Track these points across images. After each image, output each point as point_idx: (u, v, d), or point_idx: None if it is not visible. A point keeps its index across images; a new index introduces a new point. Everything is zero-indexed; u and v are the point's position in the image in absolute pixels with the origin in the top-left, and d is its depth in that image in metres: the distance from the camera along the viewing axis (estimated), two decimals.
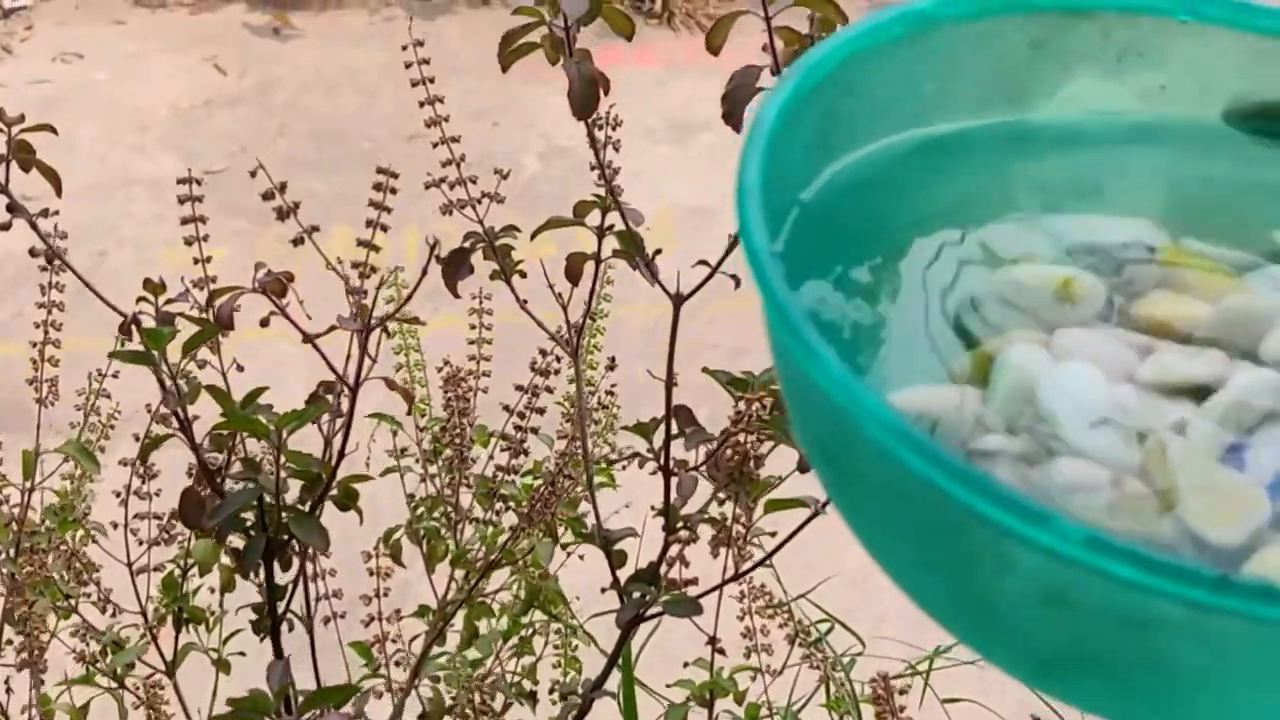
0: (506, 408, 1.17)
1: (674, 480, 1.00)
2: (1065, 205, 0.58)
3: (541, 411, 1.19)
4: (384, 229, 1.06)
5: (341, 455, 0.95)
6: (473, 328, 1.27)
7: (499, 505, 1.17)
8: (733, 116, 0.93)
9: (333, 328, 0.99)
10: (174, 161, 3.86)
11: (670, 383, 1.00)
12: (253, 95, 4.11)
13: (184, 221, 1.01)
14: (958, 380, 0.49)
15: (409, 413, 1.06)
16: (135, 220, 3.67)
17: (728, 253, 1.04)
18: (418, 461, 1.22)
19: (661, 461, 1.01)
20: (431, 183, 1.08)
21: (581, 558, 1.28)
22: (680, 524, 1.01)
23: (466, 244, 1.05)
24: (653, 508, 1.03)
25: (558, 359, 1.15)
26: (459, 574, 1.16)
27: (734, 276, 1.06)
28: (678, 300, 1.03)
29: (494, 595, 1.22)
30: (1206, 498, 0.46)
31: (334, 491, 0.94)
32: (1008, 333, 0.51)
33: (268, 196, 0.99)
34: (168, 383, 0.90)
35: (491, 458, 1.20)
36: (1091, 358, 0.50)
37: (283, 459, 0.90)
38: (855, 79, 0.56)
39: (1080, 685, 0.45)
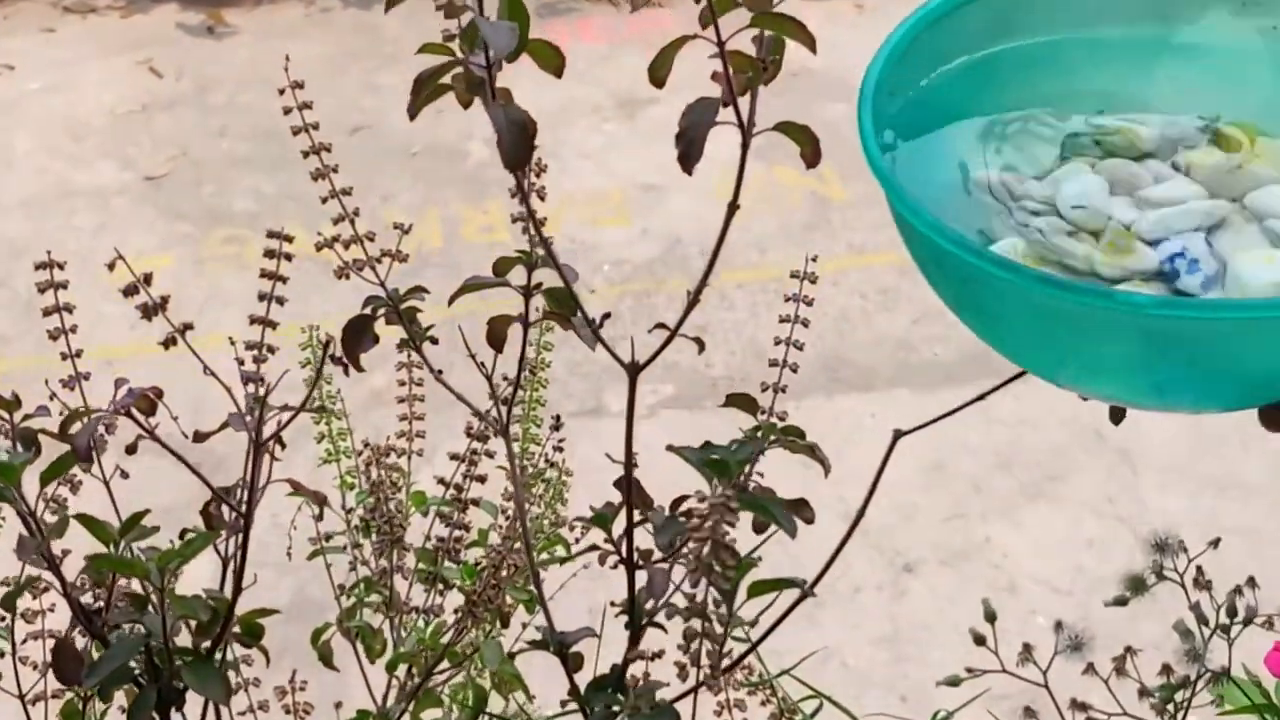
0: (442, 481, 1.00)
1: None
2: (1180, 92, 0.81)
3: (483, 479, 1.03)
4: (280, 301, 0.88)
5: (239, 588, 0.78)
6: (402, 384, 1.09)
7: (440, 586, 1.00)
8: (689, 158, 0.76)
9: (224, 425, 0.81)
10: (114, 169, 3.66)
11: (630, 463, 0.83)
12: (191, 96, 3.90)
13: (46, 313, 0.84)
14: (1036, 174, 0.77)
15: (320, 517, 0.89)
16: (79, 233, 3.47)
17: (687, 312, 0.87)
18: (346, 549, 1.05)
19: (624, 553, 0.84)
20: (323, 243, 0.90)
21: (538, 629, 1.11)
22: (646, 621, 0.85)
23: (367, 310, 0.88)
24: (613, 603, 0.87)
25: (497, 421, 0.98)
26: (401, 670, 1.00)
27: (697, 339, 0.89)
28: (633, 370, 0.85)
29: (443, 684, 1.05)
30: (1114, 250, 0.72)
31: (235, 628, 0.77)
32: (1081, 156, 0.77)
33: (130, 291, 0.81)
34: (28, 520, 0.73)
35: (428, 537, 1.03)
36: (1114, 175, 0.76)
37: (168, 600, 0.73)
38: None
39: (975, 325, 0.72)
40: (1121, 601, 0.87)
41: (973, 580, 2.65)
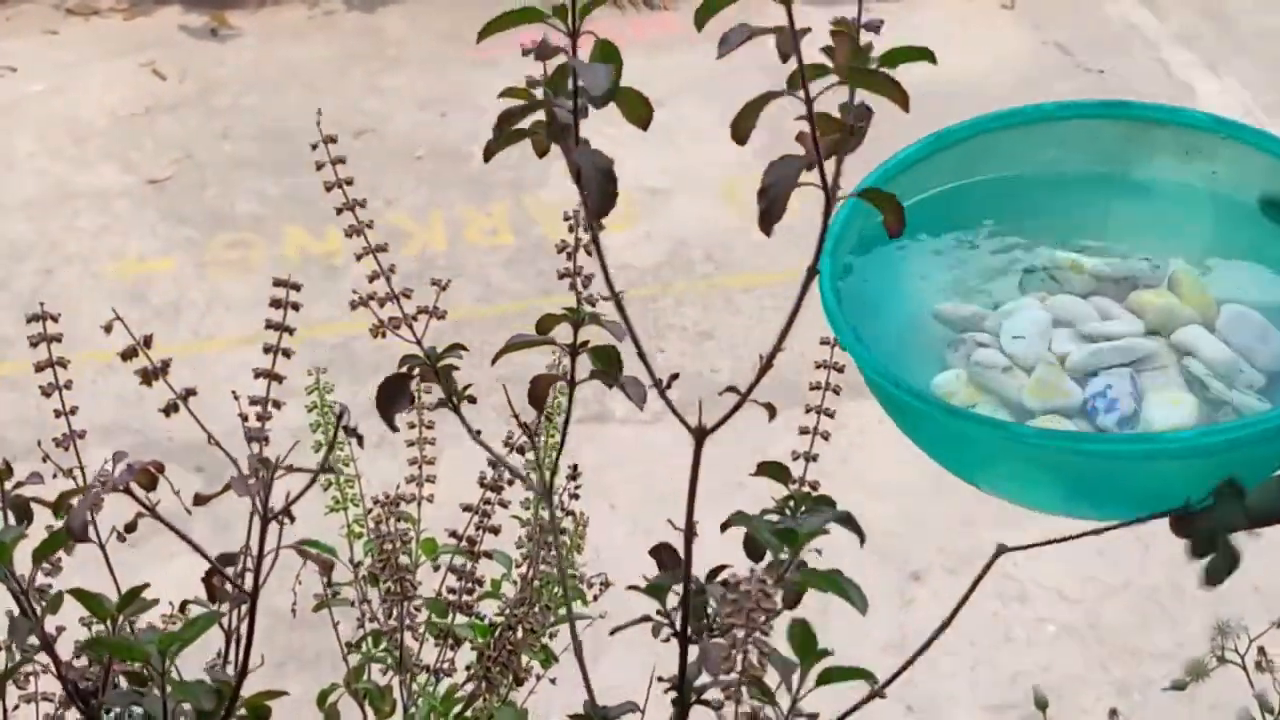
0: (453, 533, 0.94)
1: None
2: (1133, 230, 0.88)
3: (496, 531, 0.96)
4: (286, 354, 0.82)
5: (245, 669, 0.72)
6: (412, 426, 1.03)
7: (451, 641, 0.94)
8: (770, 216, 0.71)
9: (227, 487, 0.75)
10: (117, 172, 3.59)
11: (690, 532, 0.77)
12: (194, 99, 3.83)
13: (39, 368, 0.78)
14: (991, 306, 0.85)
15: (328, 583, 0.83)
16: (80, 234, 3.40)
17: (759, 377, 0.80)
18: (354, 604, 0.98)
19: (678, 626, 0.78)
20: (358, 301, 0.84)
21: (553, 682, 1.05)
22: (695, 699, 0.79)
23: (403, 369, 0.81)
24: (660, 678, 0.81)
25: (510, 470, 0.92)
26: None
27: (768, 406, 0.83)
28: (700, 434, 0.79)
29: None
30: (1041, 386, 0.80)
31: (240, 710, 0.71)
32: (1032, 291, 0.85)
33: (128, 355, 0.75)
34: (21, 598, 0.67)
35: (438, 592, 0.96)
36: (1060, 311, 0.83)
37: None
38: (994, 143, 0.88)
39: (912, 438, 0.81)
40: (1180, 686, 0.82)
41: (981, 588, 2.59)
